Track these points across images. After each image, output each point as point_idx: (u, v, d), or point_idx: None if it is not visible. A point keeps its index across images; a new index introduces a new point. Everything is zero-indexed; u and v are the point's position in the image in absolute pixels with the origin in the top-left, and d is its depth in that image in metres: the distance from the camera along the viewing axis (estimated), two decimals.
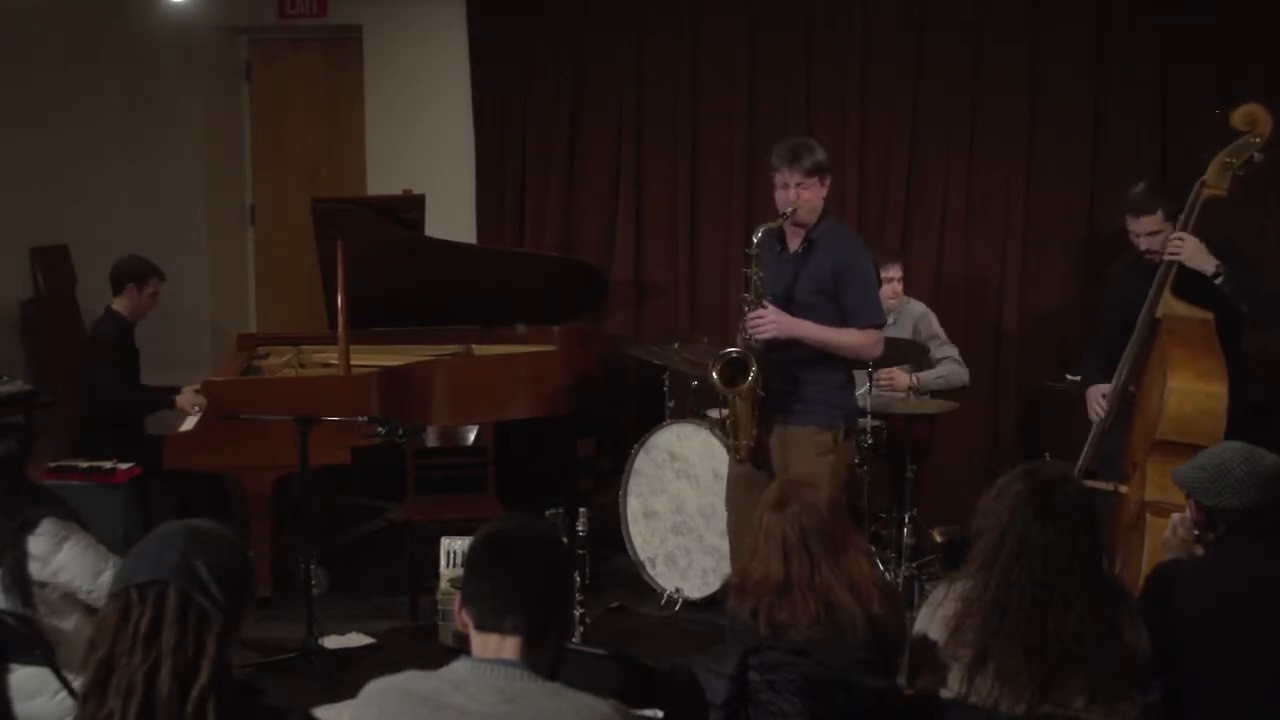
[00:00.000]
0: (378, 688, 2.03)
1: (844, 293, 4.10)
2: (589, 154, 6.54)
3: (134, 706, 1.83)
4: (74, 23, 6.40)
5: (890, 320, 5.39)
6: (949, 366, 5.35)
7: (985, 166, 6.11)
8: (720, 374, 4.04)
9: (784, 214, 4.08)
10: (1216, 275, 4.01)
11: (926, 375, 5.30)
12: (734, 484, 4.33)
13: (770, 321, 4.02)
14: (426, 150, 6.74)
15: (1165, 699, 2.59)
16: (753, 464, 4.19)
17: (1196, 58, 5.79)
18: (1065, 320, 6.05)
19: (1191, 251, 4.03)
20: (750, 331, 4.05)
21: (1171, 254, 4.05)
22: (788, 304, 4.10)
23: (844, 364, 4.22)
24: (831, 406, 4.16)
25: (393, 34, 6.80)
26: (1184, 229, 4.07)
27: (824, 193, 4.14)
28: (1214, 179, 4.04)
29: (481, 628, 2.01)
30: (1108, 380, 4.24)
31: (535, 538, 2.09)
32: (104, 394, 5.46)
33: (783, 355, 4.10)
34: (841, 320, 4.11)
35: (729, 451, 4.24)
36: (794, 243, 4.19)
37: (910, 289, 5.52)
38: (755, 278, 4.05)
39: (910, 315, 5.43)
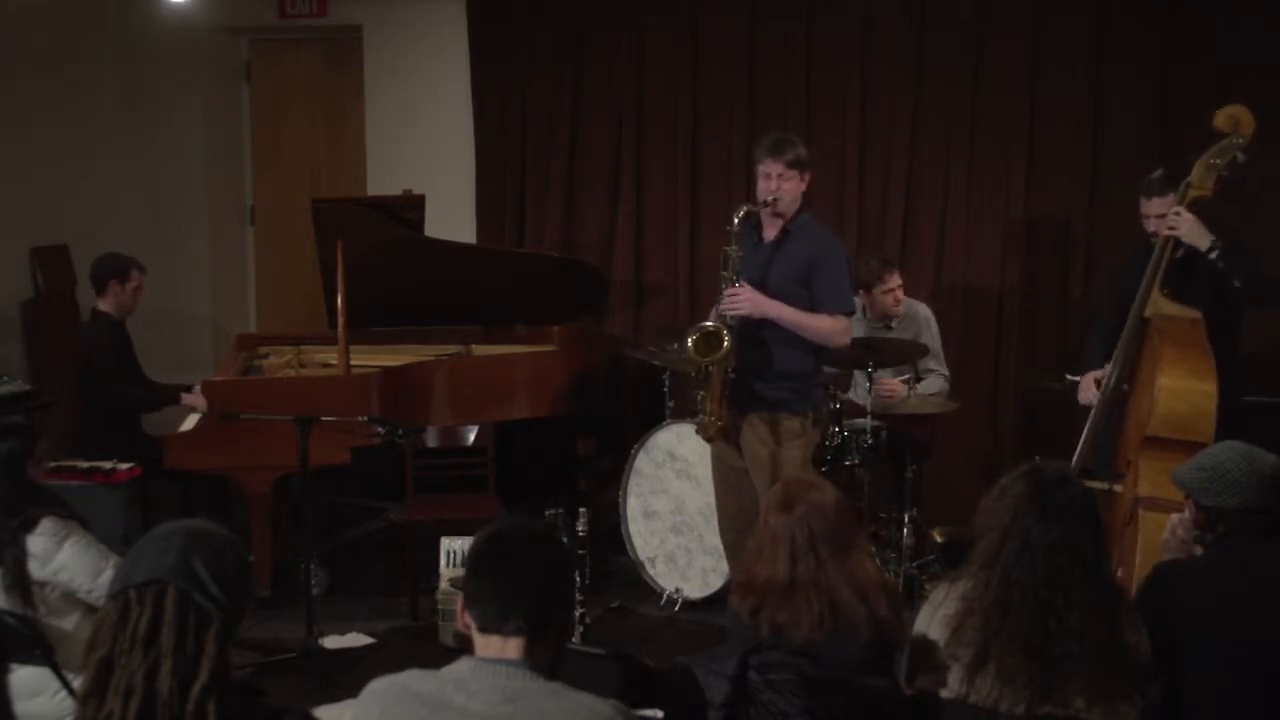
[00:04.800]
0: (379, 687, 2.04)
1: (816, 280, 4.25)
2: (589, 154, 6.54)
3: (134, 706, 1.83)
4: (74, 23, 6.40)
5: (894, 324, 5.42)
6: (937, 382, 5.41)
7: (985, 166, 6.11)
8: (695, 345, 4.13)
9: (765, 201, 4.22)
10: (1212, 249, 4.02)
11: (919, 388, 5.33)
12: (714, 464, 4.50)
13: (745, 299, 4.15)
14: (426, 150, 6.74)
15: (1164, 699, 2.59)
16: (723, 441, 4.32)
17: (1196, 58, 5.79)
18: (1065, 320, 6.05)
19: (1189, 227, 4.04)
20: (725, 308, 4.17)
21: (1170, 229, 4.07)
22: (762, 290, 4.22)
23: (813, 352, 4.34)
24: (800, 394, 4.30)
25: (393, 34, 6.80)
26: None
27: (803, 187, 4.31)
28: (1199, 180, 4.06)
29: (484, 629, 2.02)
30: (1101, 368, 4.25)
31: (536, 538, 2.10)
32: (115, 397, 5.46)
33: (755, 342, 4.21)
34: (812, 308, 4.24)
35: (698, 429, 4.32)
36: (770, 233, 4.34)
37: (910, 289, 5.52)
38: (734, 255, 4.18)
39: (914, 319, 5.45)
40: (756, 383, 4.25)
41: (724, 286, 4.19)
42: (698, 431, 4.34)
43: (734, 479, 4.39)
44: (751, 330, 4.20)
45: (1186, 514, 2.90)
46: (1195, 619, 2.63)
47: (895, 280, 5.38)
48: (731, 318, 4.16)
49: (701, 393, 4.23)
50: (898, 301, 5.39)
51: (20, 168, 6.12)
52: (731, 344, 4.10)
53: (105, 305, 5.57)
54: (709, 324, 4.16)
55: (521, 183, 6.64)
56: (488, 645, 2.01)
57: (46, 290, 6.26)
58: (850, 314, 4.35)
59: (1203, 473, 2.78)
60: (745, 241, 4.28)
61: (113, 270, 5.54)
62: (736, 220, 4.20)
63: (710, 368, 4.16)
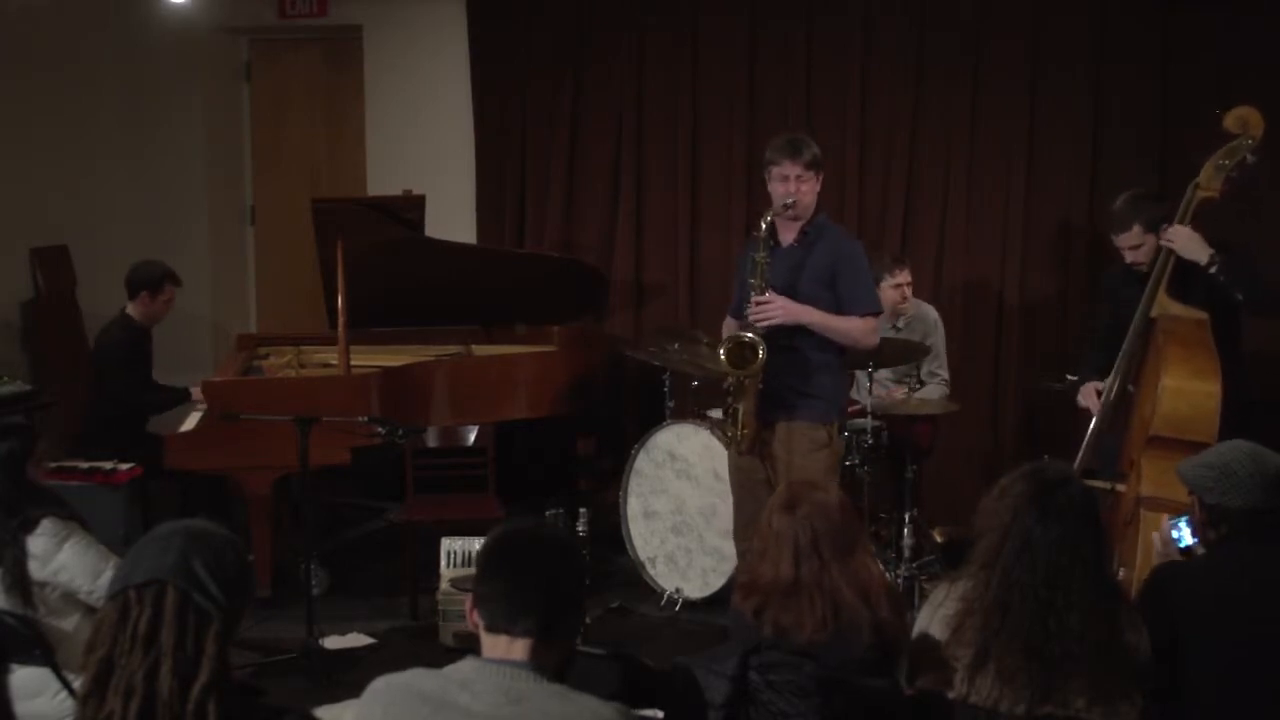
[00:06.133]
0: (383, 685, 2.03)
1: (841, 282, 4.18)
2: (589, 154, 6.53)
3: (134, 707, 1.83)
4: (74, 23, 6.40)
5: (901, 324, 5.43)
6: (938, 389, 5.42)
7: (985, 166, 6.11)
8: (729, 356, 4.07)
9: (786, 204, 4.14)
10: (1211, 264, 4.02)
11: (918, 395, 5.34)
12: (734, 473, 4.42)
13: (777, 307, 4.08)
14: (426, 150, 6.74)
15: (1165, 700, 2.59)
16: (752, 454, 4.25)
17: (1196, 58, 5.79)
18: (1065, 320, 6.05)
19: (1184, 242, 4.05)
20: (754, 318, 4.09)
21: (1166, 242, 4.08)
22: (790, 295, 4.15)
23: (839, 362, 4.29)
24: (826, 402, 4.23)
25: (393, 34, 6.80)
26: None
27: (818, 187, 4.23)
28: (1206, 181, 4.07)
29: (492, 629, 2.01)
30: (1103, 378, 4.25)
31: (549, 540, 2.09)
32: (126, 397, 5.46)
33: (784, 349, 4.14)
34: (838, 309, 4.18)
35: (729, 444, 4.27)
36: (788, 236, 4.27)
37: (913, 289, 5.53)
38: (762, 263, 4.11)
39: (923, 321, 5.46)
40: (785, 391, 4.17)
41: (752, 295, 4.11)
42: (728, 446, 4.28)
43: (752, 488, 4.29)
44: (780, 337, 4.12)
45: (1193, 512, 2.88)
46: (1196, 620, 2.63)
47: (904, 276, 5.40)
48: (762, 327, 4.08)
49: (736, 406, 4.16)
50: (904, 298, 5.41)
51: (20, 168, 6.12)
52: (765, 355, 4.03)
53: (132, 310, 5.58)
54: (745, 335, 4.07)
55: (521, 183, 6.64)
56: (495, 645, 2.01)
57: (46, 290, 6.26)
58: (878, 314, 4.30)
59: (1210, 470, 2.77)
60: (762, 247, 4.20)
61: (147, 281, 5.57)
62: (764, 226, 4.11)
63: (745, 380, 4.10)
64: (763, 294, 4.09)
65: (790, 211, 4.16)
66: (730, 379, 4.13)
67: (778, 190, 4.18)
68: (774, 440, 4.22)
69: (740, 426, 4.17)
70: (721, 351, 4.09)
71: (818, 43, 6.23)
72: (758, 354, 4.03)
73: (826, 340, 4.18)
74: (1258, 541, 2.71)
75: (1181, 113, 5.72)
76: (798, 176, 4.14)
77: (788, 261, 4.21)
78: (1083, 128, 5.96)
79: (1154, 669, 2.49)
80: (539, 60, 6.54)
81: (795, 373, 4.17)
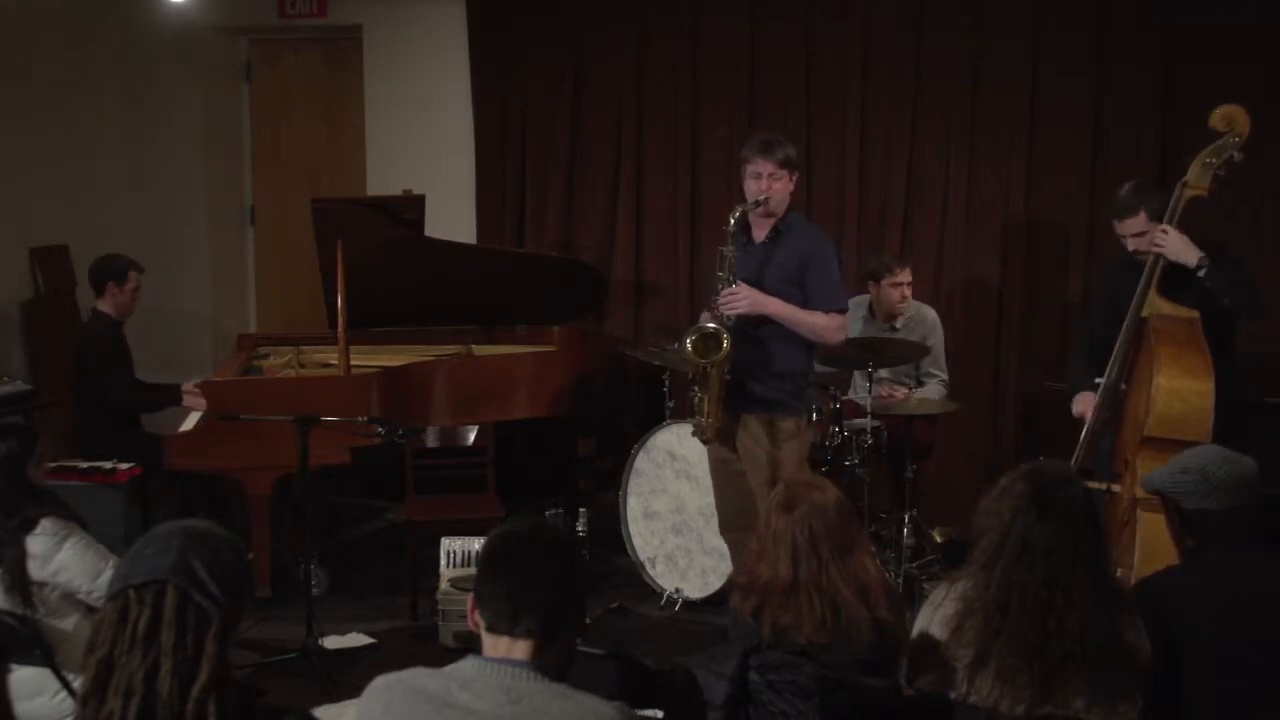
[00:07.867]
0: (384, 683, 2.03)
1: (810, 280, 4.24)
2: (589, 154, 6.53)
3: (134, 707, 1.83)
4: (74, 23, 6.40)
5: (899, 324, 5.43)
6: (936, 389, 5.42)
7: (985, 166, 6.11)
8: (694, 346, 4.11)
9: (756, 202, 4.21)
10: (1199, 268, 4.03)
11: (917, 395, 5.35)
12: (713, 464, 4.51)
13: (743, 297, 4.15)
14: (426, 150, 6.74)
15: (1163, 706, 2.58)
16: (720, 443, 4.32)
17: (1196, 58, 5.79)
18: (1065, 320, 6.06)
19: (1175, 245, 4.05)
20: (722, 308, 4.16)
21: (1156, 247, 4.08)
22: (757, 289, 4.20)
23: (808, 352, 4.35)
24: (794, 397, 4.30)
25: (393, 34, 6.79)
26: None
27: (791, 187, 4.31)
28: (1195, 179, 4.07)
29: (493, 629, 2.01)
30: (1098, 373, 4.25)
31: (551, 540, 2.09)
32: (115, 394, 5.46)
33: (751, 341, 4.21)
34: (806, 306, 4.23)
35: (695, 431, 4.31)
36: (760, 233, 4.34)
37: (913, 289, 5.53)
38: (730, 256, 4.18)
39: (922, 322, 5.46)
40: (752, 383, 4.24)
41: (720, 287, 4.18)
42: (694, 433, 4.33)
43: (734, 479, 4.38)
44: (748, 330, 4.20)
45: (1170, 518, 2.85)
46: (1195, 626, 2.61)
47: (905, 276, 5.40)
48: (729, 317, 4.16)
49: (699, 394, 4.22)
50: (904, 298, 5.41)
51: (21, 167, 6.12)
52: (731, 345, 4.09)
53: (104, 306, 5.59)
54: (709, 325, 4.14)
55: (521, 183, 6.64)
56: (496, 645, 2.01)
57: (46, 290, 6.26)
58: (844, 311, 4.34)
59: (1188, 475, 2.74)
60: (735, 243, 4.27)
61: (110, 272, 5.56)
62: (733, 220, 4.18)
63: (709, 369, 4.15)
64: (727, 286, 4.15)
65: (761, 208, 4.23)
66: (696, 368, 4.16)
67: (750, 187, 4.27)
68: (743, 432, 4.29)
69: (705, 415, 4.21)
70: (688, 342, 4.13)
71: (818, 43, 6.23)
72: (721, 344, 4.08)
73: (793, 335, 4.23)
74: (1238, 541, 2.70)
75: (1181, 113, 5.71)
76: (769, 174, 4.22)
77: (756, 257, 4.29)
78: (1083, 128, 5.97)
79: (1153, 669, 2.49)
80: (539, 60, 6.54)
81: (762, 366, 4.24)
